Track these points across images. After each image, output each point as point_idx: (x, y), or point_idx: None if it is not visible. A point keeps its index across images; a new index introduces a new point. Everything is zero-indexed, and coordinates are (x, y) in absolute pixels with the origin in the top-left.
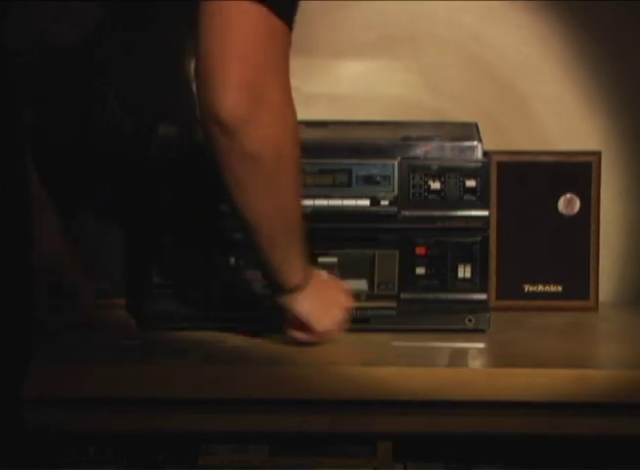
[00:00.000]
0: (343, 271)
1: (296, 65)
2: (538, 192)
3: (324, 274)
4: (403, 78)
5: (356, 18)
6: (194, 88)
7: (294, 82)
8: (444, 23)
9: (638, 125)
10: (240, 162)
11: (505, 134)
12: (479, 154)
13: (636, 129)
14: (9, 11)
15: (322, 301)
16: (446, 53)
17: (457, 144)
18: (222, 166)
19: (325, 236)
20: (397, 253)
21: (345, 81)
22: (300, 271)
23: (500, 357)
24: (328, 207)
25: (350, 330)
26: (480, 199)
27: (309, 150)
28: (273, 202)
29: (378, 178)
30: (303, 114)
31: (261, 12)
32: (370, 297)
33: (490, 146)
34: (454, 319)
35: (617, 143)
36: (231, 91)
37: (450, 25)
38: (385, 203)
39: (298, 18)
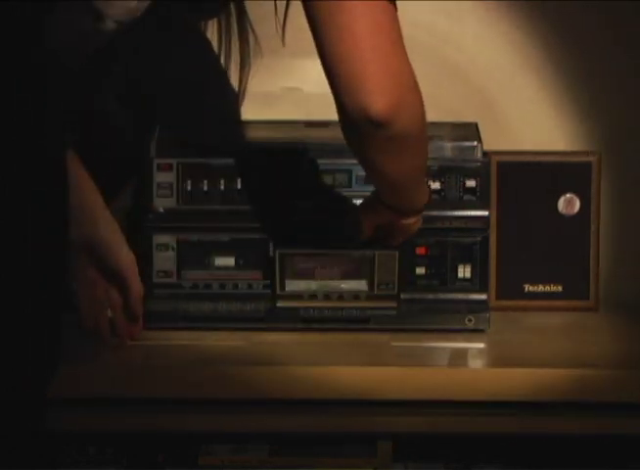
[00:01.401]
0: (344, 271)
1: (296, 65)
2: (538, 192)
3: None
4: None
5: None
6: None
7: (294, 83)
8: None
9: (638, 125)
10: (391, 143)
11: (505, 134)
12: (479, 154)
13: (636, 129)
14: (54, 10)
15: None
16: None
17: (457, 144)
18: (370, 150)
19: (325, 236)
20: (397, 253)
21: None
22: (427, 189)
23: (500, 357)
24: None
25: (350, 330)
26: (480, 199)
27: (309, 150)
28: (419, 158)
29: None
30: (303, 114)
31: (383, 5)
32: (370, 297)
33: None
34: (454, 319)
35: (617, 143)
36: (377, 93)
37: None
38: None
39: (298, 16)
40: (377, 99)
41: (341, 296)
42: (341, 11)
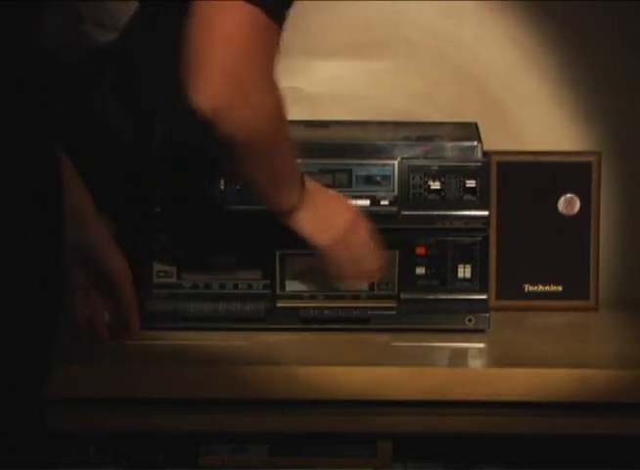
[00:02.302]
0: None
1: (296, 65)
2: (538, 192)
3: (329, 191)
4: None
5: (356, 18)
6: None
7: (294, 83)
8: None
9: (638, 125)
10: (220, 143)
11: (506, 133)
12: (479, 154)
13: (636, 129)
14: (43, 10)
15: (323, 214)
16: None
17: (457, 144)
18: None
19: None
20: (397, 253)
21: (347, 81)
22: (296, 191)
23: (500, 357)
24: None
25: (350, 330)
26: (480, 199)
27: (309, 150)
28: (274, 167)
29: (378, 178)
30: (304, 114)
31: (248, 10)
32: (370, 297)
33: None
34: (454, 319)
35: (617, 143)
36: (209, 80)
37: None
38: (385, 203)
39: (298, 17)
40: (202, 89)
41: (341, 296)
42: (205, 11)
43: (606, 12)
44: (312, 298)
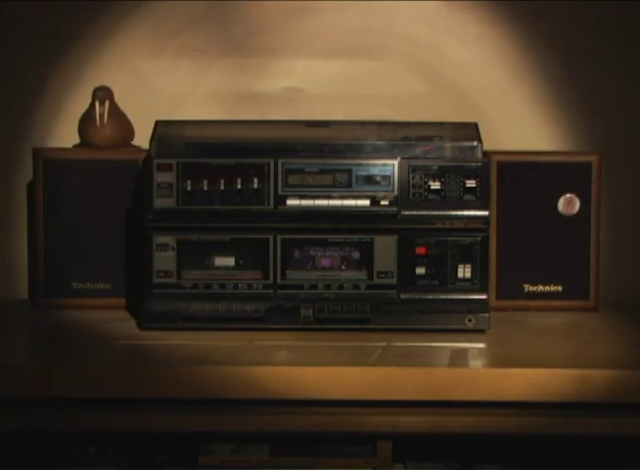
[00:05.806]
0: (345, 263)
1: (296, 65)
2: (538, 192)
3: None
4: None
5: (356, 18)
6: None
7: (294, 83)
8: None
9: (638, 125)
10: None
11: (506, 134)
12: (479, 154)
13: (636, 129)
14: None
15: None
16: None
17: (457, 144)
18: None
19: (325, 236)
20: (397, 253)
21: (347, 81)
22: None
23: (500, 357)
24: (328, 207)
25: (350, 330)
26: (480, 199)
27: (309, 150)
28: None
29: (378, 178)
30: (304, 114)
31: None
32: (370, 296)
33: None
34: (454, 319)
35: (617, 143)
36: None
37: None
38: (385, 203)
39: (298, 17)
40: None
41: (340, 296)
42: None
43: (606, 12)
44: (313, 298)
